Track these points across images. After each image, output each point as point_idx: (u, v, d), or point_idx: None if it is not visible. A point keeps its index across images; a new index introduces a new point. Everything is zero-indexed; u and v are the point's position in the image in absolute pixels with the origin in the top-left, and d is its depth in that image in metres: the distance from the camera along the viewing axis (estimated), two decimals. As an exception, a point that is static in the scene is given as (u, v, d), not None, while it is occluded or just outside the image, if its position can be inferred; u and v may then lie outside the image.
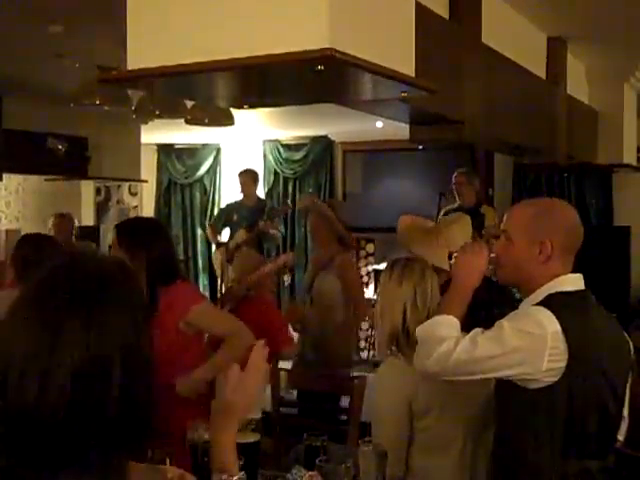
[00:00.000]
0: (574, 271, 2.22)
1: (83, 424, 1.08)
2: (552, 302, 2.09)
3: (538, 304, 2.10)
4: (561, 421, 2.02)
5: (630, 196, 7.29)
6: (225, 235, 7.68)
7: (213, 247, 7.82)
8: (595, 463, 2.10)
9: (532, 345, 2.01)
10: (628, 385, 2.21)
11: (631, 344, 2.24)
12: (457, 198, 6.06)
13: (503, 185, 7.70)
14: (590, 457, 2.09)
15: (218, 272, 7.66)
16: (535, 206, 2.27)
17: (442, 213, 6.07)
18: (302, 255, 9.24)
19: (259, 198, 7.81)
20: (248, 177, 7.65)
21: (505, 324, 2.07)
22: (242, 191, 7.62)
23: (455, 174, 6.09)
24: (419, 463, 2.53)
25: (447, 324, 2.17)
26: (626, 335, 2.25)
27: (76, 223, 6.22)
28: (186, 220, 9.91)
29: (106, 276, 1.16)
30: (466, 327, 2.21)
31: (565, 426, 2.02)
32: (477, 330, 2.11)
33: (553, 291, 2.13)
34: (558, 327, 2.00)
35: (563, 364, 2.00)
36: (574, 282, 2.18)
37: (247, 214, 7.49)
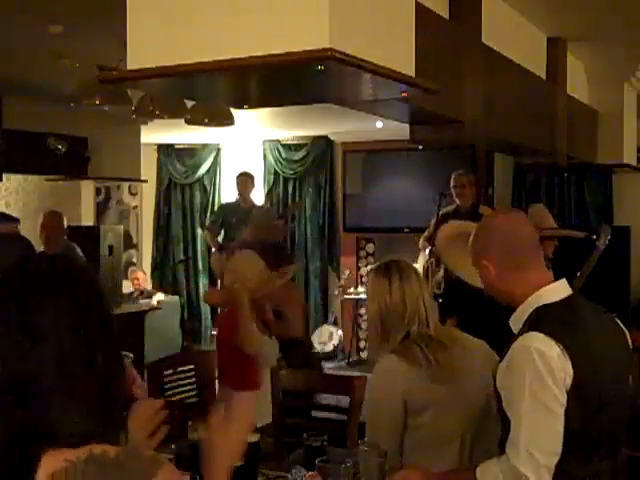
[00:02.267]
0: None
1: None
2: (540, 320, 2.06)
3: (527, 325, 2.08)
4: (571, 427, 2.00)
5: (630, 196, 7.29)
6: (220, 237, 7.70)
7: (213, 249, 7.81)
8: (605, 464, 2.09)
9: (547, 377, 1.98)
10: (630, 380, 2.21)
11: (629, 336, 2.22)
12: (456, 200, 6.04)
13: (503, 185, 7.70)
14: (600, 459, 2.08)
15: (218, 274, 7.66)
16: (479, 227, 2.29)
17: (439, 215, 6.06)
18: (302, 255, 9.24)
19: (254, 201, 7.83)
20: (248, 179, 7.68)
21: (516, 387, 2.00)
22: (240, 193, 7.63)
23: (455, 176, 6.07)
24: (416, 461, 2.53)
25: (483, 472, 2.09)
26: (623, 328, 2.22)
27: (65, 222, 6.17)
28: (186, 220, 9.90)
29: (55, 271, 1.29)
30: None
31: (575, 431, 2.01)
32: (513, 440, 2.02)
33: (538, 305, 2.10)
34: (558, 349, 1.98)
35: (570, 380, 1.99)
36: (558, 290, 2.14)
37: (245, 217, 7.50)
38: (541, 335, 2.00)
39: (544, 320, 2.06)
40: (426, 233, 6.00)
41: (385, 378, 2.58)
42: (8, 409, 1.20)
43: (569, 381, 1.98)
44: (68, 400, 1.21)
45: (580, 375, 1.98)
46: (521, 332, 2.08)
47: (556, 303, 2.10)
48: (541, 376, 1.97)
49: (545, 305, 2.10)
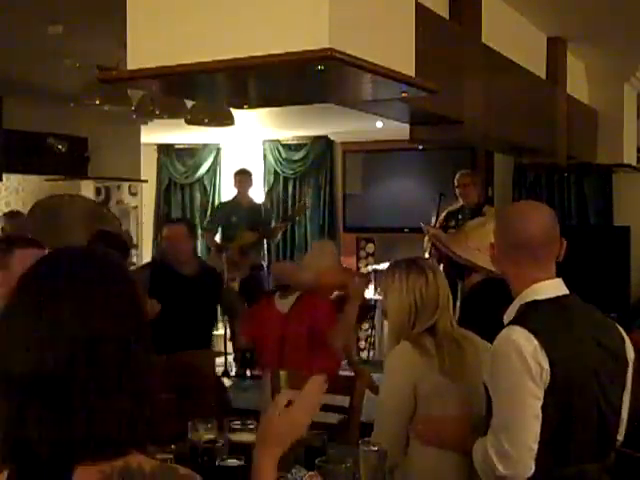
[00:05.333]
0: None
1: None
2: (525, 315, 2.08)
3: (513, 319, 2.10)
4: (553, 427, 2.01)
5: (630, 196, 7.28)
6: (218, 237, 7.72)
7: (212, 251, 7.82)
8: (593, 466, 2.09)
9: (522, 371, 2.00)
10: (628, 386, 2.19)
11: (628, 342, 2.22)
12: (460, 199, 6.04)
13: (503, 185, 7.70)
14: (587, 461, 2.08)
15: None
16: (500, 211, 2.36)
17: (444, 213, 6.07)
18: (303, 253, 9.23)
19: (253, 199, 7.83)
20: (247, 177, 7.69)
21: (494, 378, 2.06)
22: (239, 191, 7.64)
23: (458, 175, 6.07)
24: (421, 454, 2.54)
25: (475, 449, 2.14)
26: (622, 333, 2.22)
27: None
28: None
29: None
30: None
31: (558, 432, 2.02)
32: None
33: (527, 300, 2.12)
34: (535, 343, 1.99)
35: (547, 376, 2.00)
36: (551, 288, 2.14)
37: (245, 215, 7.50)
38: (520, 328, 2.03)
39: (529, 315, 2.08)
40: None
41: (398, 363, 2.65)
42: (39, 412, 1.13)
43: (546, 377, 1.99)
44: (102, 403, 1.14)
45: (558, 372, 1.99)
46: (506, 325, 2.10)
47: (545, 300, 2.12)
48: (516, 369, 2.00)
49: (534, 301, 2.12)
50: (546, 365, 1.99)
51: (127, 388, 1.17)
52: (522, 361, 1.99)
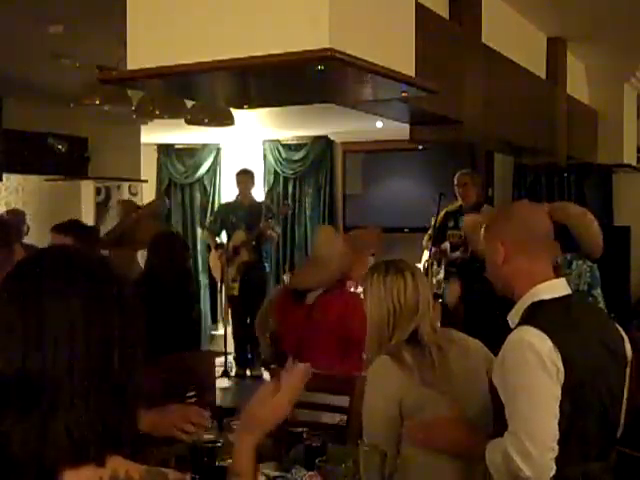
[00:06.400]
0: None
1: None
2: (534, 315, 2.08)
3: (522, 319, 2.10)
4: (563, 426, 2.01)
5: (630, 196, 7.28)
6: (223, 237, 7.73)
7: (212, 250, 7.84)
8: (597, 465, 2.10)
9: (539, 370, 2.00)
10: (626, 384, 2.20)
11: (627, 341, 2.23)
12: (459, 199, 6.04)
13: (503, 185, 7.70)
14: (592, 460, 2.09)
15: (216, 273, 7.69)
16: (499, 211, 2.33)
17: (442, 213, 6.07)
18: (302, 255, 9.24)
19: (254, 199, 7.83)
20: (248, 177, 7.69)
21: (510, 379, 2.04)
22: (240, 191, 7.64)
23: (458, 175, 6.06)
24: (414, 463, 2.52)
25: (490, 450, 2.12)
26: (622, 332, 2.23)
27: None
28: (186, 220, 9.90)
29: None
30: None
31: (565, 430, 2.02)
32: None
33: (534, 300, 2.12)
34: (550, 343, 1.99)
35: (561, 376, 2.00)
36: (556, 288, 2.15)
37: (244, 215, 7.51)
38: (534, 329, 2.02)
39: (538, 315, 2.08)
40: (430, 232, 6.01)
41: (379, 380, 2.57)
42: (18, 413, 1.10)
43: (561, 376, 1.99)
44: (83, 405, 1.11)
45: (570, 373, 2.00)
46: (516, 326, 2.10)
47: (552, 300, 2.12)
48: (534, 369, 1.99)
49: (541, 301, 2.12)
50: (560, 365, 1.99)
51: (110, 390, 1.15)
52: (539, 361, 1.98)
